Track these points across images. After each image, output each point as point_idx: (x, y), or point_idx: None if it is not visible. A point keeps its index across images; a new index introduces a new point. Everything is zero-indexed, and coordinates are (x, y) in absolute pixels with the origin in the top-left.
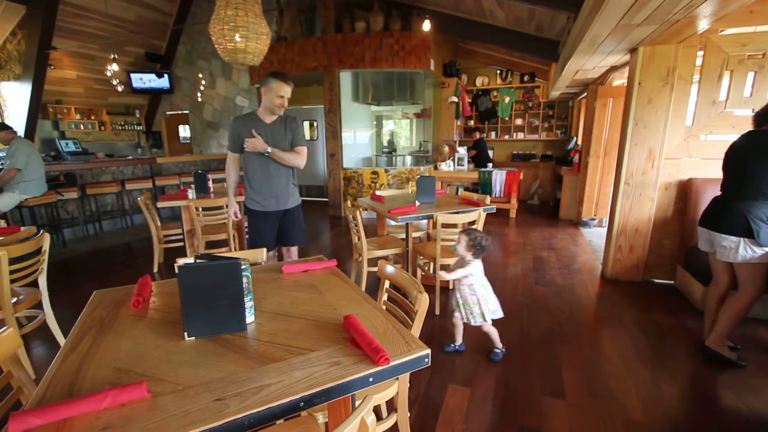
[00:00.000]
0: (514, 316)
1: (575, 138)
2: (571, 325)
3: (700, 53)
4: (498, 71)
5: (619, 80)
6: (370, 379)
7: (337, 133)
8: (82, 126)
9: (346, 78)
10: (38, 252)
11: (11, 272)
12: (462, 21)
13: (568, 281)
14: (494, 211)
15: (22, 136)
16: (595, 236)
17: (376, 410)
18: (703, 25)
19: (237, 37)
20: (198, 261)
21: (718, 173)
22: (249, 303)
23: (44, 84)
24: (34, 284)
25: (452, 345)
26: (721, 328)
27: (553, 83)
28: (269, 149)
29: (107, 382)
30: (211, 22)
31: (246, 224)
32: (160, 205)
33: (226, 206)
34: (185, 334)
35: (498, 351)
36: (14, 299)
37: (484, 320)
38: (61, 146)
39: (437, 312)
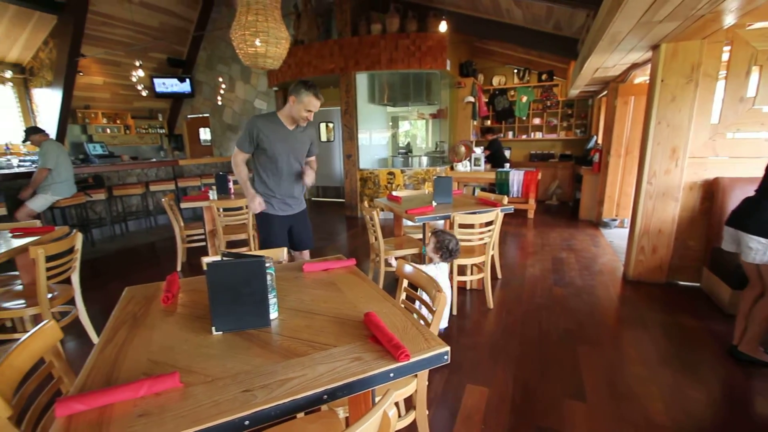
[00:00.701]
0: (533, 316)
1: (595, 137)
2: (592, 326)
3: (727, 48)
4: (515, 70)
5: (641, 77)
6: (391, 375)
7: (353, 134)
8: (108, 130)
9: (362, 80)
10: (71, 251)
11: (46, 270)
12: (479, 21)
13: (588, 282)
14: (512, 211)
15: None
16: (616, 237)
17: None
18: (729, 20)
19: (257, 42)
20: (225, 259)
21: (747, 172)
22: (273, 300)
23: (73, 90)
24: (67, 281)
25: None
26: (755, 332)
27: (572, 82)
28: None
29: (142, 372)
30: (233, 28)
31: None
32: (183, 206)
33: (246, 207)
34: (213, 328)
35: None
36: (49, 295)
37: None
38: (89, 149)
39: (454, 312)
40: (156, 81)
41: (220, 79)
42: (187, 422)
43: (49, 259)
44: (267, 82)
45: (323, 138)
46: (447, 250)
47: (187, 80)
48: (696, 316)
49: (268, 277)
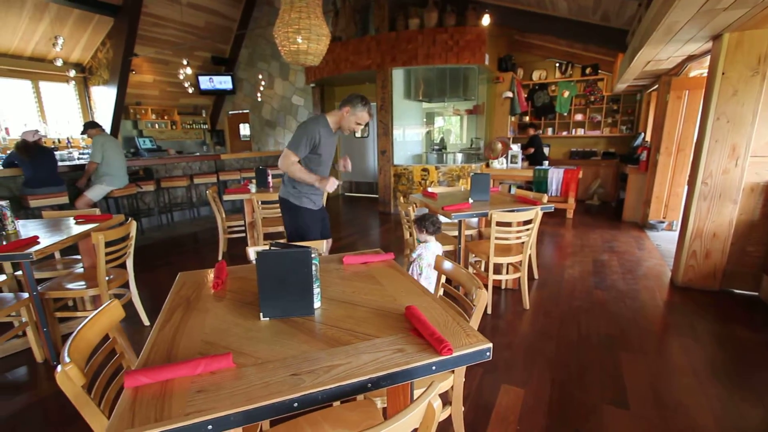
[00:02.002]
0: (571, 319)
1: (643, 134)
2: (636, 332)
3: None
4: (557, 64)
5: (697, 70)
6: (433, 368)
7: (388, 130)
8: (156, 125)
9: (398, 75)
10: (126, 237)
11: (106, 254)
12: (520, 13)
13: (632, 287)
14: (552, 210)
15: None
16: (663, 240)
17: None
18: None
19: (299, 39)
20: (273, 248)
21: None
22: (317, 289)
23: (127, 87)
24: (122, 266)
25: None
26: None
27: (620, 75)
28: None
29: (197, 352)
30: (276, 26)
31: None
32: (225, 198)
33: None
34: (261, 314)
35: None
36: (106, 278)
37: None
38: (139, 143)
39: (489, 311)
40: (201, 78)
41: (260, 77)
42: (241, 400)
43: (107, 245)
44: (305, 79)
45: (357, 134)
46: (432, 222)
47: (229, 77)
48: (754, 328)
49: (313, 268)
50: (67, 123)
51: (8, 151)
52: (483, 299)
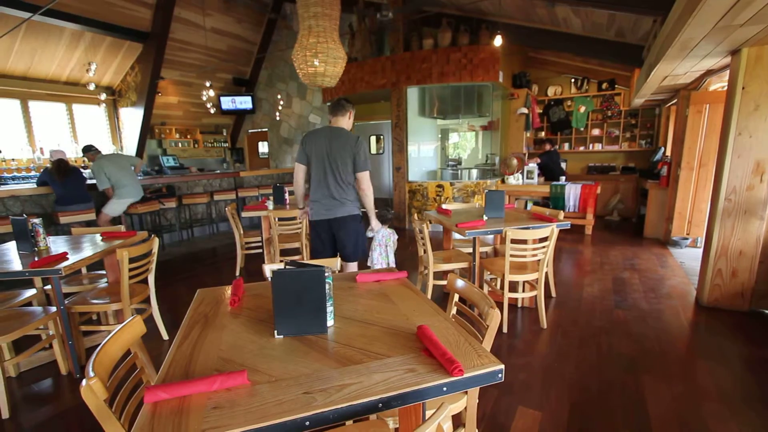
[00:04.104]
0: (591, 339)
1: (663, 148)
2: (659, 354)
3: None
4: (573, 80)
5: (717, 84)
6: (444, 389)
7: (403, 147)
8: (180, 144)
9: (413, 93)
10: (149, 254)
11: (129, 270)
12: (534, 31)
13: (655, 306)
14: (569, 227)
15: (134, 153)
16: (687, 258)
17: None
18: None
19: (316, 62)
20: (288, 267)
21: None
22: (330, 308)
23: (153, 108)
24: (143, 281)
25: None
26: None
27: (637, 90)
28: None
29: (214, 368)
30: (294, 50)
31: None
32: (243, 215)
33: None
34: (275, 332)
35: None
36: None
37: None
38: (163, 162)
39: (505, 330)
40: (222, 99)
41: (279, 96)
42: (255, 417)
43: (131, 260)
44: (321, 98)
45: (373, 151)
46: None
47: (250, 98)
48: None
49: (326, 286)
50: (95, 143)
51: (41, 170)
52: (496, 319)
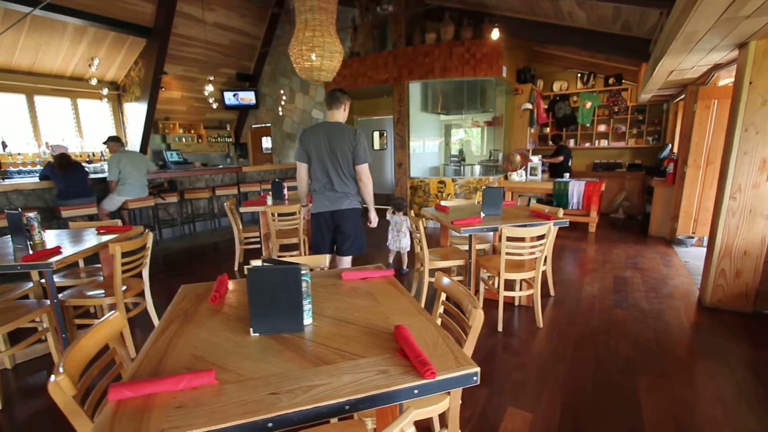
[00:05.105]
0: (587, 339)
1: (670, 145)
2: (657, 355)
3: None
4: (579, 75)
5: (726, 79)
6: (415, 392)
7: (405, 142)
8: (183, 139)
9: (415, 88)
10: (143, 248)
11: (122, 264)
12: (538, 25)
13: (656, 306)
14: (567, 224)
15: (137, 149)
16: (692, 257)
17: (428, 424)
18: None
19: (313, 56)
20: (265, 264)
21: None
22: (307, 306)
23: (156, 103)
24: (139, 276)
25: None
26: None
27: (643, 85)
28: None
29: (185, 366)
30: (291, 44)
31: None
32: (242, 210)
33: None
34: (251, 330)
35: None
36: (124, 287)
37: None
38: (167, 156)
39: (500, 329)
40: (226, 94)
41: (282, 91)
42: (217, 418)
43: (125, 255)
44: (324, 93)
45: (376, 146)
46: (398, 205)
47: (253, 93)
48: None
49: (303, 284)
50: (100, 138)
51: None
52: (479, 319)
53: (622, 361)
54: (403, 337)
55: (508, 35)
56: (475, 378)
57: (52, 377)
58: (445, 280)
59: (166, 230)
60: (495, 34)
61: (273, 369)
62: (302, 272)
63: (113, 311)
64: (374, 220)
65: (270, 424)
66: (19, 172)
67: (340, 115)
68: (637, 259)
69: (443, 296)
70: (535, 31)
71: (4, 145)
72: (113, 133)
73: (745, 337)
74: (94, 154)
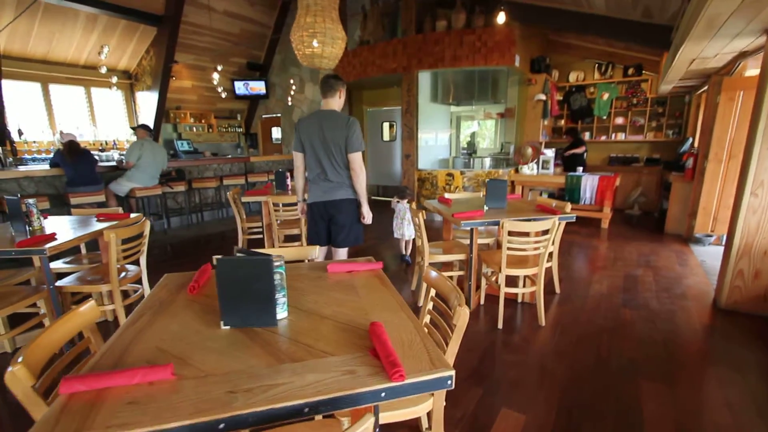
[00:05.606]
0: (591, 339)
1: (691, 139)
2: (664, 359)
3: None
4: (596, 65)
5: (753, 69)
6: (382, 395)
7: (413, 133)
8: (194, 128)
9: (425, 78)
10: (141, 236)
11: (122, 251)
12: (553, 11)
13: (667, 307)
14: (574, 220)
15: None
16: (710, 256)
17: (416, 423)
18: None
19: (314, 43)
20: (238, 255)
21: None
22: (282, 299)
23: (167, 93)
24: (137, 263)
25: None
26: None
27: (663, 75)
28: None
29: (147, 359)
30: (292, 30)
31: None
32: (244, 199)
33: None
34: (221, 322)
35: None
36: (123, 274)
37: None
38: (177, 146)
39: (500, 326)
40: (236, 84)
41: (291, 81)
42: (167, 416)
43: (124, 242)
44: None
45: (386, 138)
46: (401, 193)
47: (263, 82)
48: None
49: (277, 277)
50: (113, 126)
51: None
52: (463, 318)
53: (626, 363)
54: (376, 335)
55: (522, 22)
56: (449, 382)
57: (9, 368)
58: (433, 273)
59: (175, 219)
60: (501, 17)
61: (236, 365)
62: (276, 264)
63: (88, 301)
64: (368, 215)
65: (222, 425)
66: (33, 159)
67: (336, 102)
68: (650, 257)
69: (432, 291)
70: (549, 18)
71: (20, 133)
72: (126, 122)
73: (761, 342)
74: (107, 143)
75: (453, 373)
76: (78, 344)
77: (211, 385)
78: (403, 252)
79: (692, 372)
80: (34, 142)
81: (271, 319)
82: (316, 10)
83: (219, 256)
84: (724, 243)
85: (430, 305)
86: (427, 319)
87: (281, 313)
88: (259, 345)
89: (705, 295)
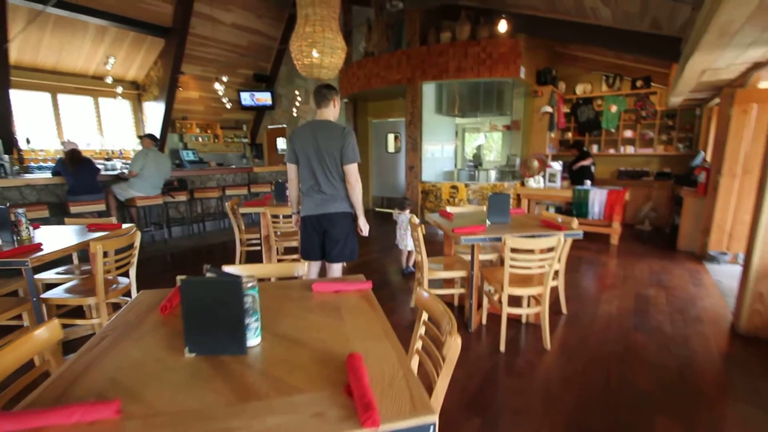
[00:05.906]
0: (600, 366)
1: (703, 153)
2: (680, 391)
3: None
4: (604, 77)
5: None
6: None
7: (416, 145)
8: (200, 139)
9: (429, 90)
10: (131, 247)
11: (113, 262)
12: (559, 23)
13: (681, 331)
14: (581, 237)
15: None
16: (726, 276)
17: None
18: None
19: (314, 53)
20: (207, 275)
21: None
22: (255, 324)
23: (174, 103)
24: (125, 275)
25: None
26: None
27: (673, 87)
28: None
29: (97, 392)
30: (291, 40)
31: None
32: (242, 211)
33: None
34: (186, 349)
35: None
36: (114, 286)
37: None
38: (183, 156)
39: (502, 349)
40: (242, 95)
41: (297, 93)
42: None
43: (117, 252)
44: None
45: (390, 149)
46: (402, 204)
47: (269, 94)
48: None
49: (248, 300)
50: (120, 136)
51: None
52: (454, 350)
53: (638, 394)
54: (353, 370)
55: (527, 34)
56: (432, 429)
57: None
58: (425, 294)
59: (176, 228)
60: (503, 26)
61: (191, 402)
62: (248, 285)
63: (51, 320)
64: (365, 227)
65: None
66: (39, 168)
67: (330, 112)
68: (662, 275)
69: (425, 315)
70: (555, 30)
71: (28, 141)
72: (134, 132)
73: None
74: (113, 152)
75: (435, 419)
76: (33, 370)
77: (158, 428)
78: (404, 265)
79: (712, 406)
80: (41, 150)
81: (239, 348)
82: (315, 20)
83: (183, 277)
84: (741, 262)
85: (422, 330)
86: (419, 344)
87: (253, 339)
88: (222, 377)
89: (722, 319)
